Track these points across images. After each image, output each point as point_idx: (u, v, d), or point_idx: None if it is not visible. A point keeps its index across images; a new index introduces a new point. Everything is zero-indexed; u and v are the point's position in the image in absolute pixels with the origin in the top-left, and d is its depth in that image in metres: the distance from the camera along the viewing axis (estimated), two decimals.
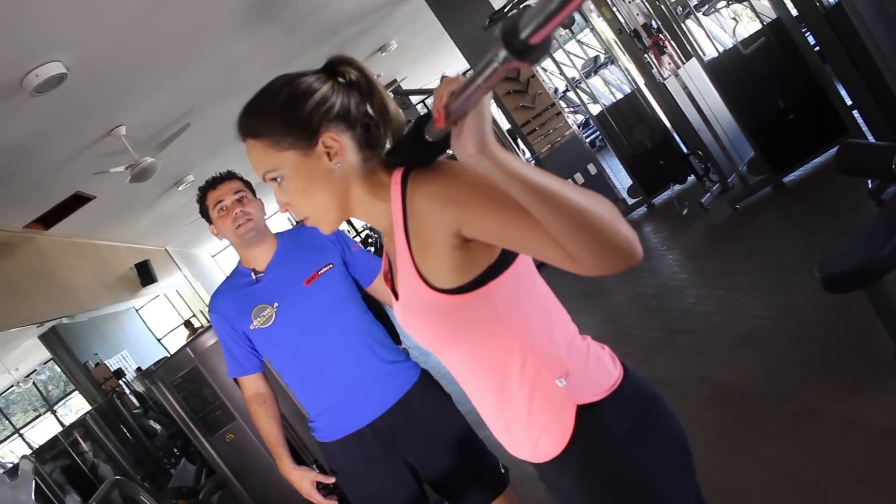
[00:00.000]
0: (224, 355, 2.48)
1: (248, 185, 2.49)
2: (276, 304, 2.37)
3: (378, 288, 2.57)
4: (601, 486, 1.26)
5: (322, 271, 2.41)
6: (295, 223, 2.57)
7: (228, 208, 2.41)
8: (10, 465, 6.45)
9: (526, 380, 1.26)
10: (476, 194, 1.12)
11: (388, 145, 1.30)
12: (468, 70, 9.39)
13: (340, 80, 1.26)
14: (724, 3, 7.93)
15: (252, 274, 2.44)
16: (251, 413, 2.49)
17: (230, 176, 2.47)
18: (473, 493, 2.44)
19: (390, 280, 1.41)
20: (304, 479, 2.39)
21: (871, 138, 4.84)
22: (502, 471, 2.54)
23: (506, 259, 1.21)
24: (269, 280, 2.42)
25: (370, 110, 1.27)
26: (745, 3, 7.14)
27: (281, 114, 1.22)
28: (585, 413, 1.25)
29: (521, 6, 7.49)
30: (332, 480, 2.40)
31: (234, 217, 2.39)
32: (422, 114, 1.20)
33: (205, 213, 2.47)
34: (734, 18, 5.57)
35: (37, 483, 3.39)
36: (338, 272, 2.44)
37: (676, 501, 1.25)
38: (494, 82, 0.89)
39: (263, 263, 2.45)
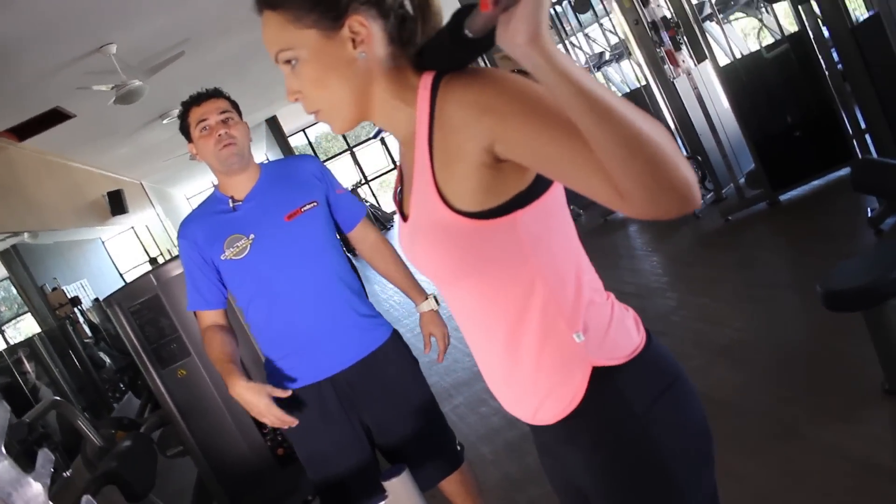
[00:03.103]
0: (187, 286, 2.31)
1: (235, 106, 2.31)
2: (251, 236, 2.20)
3: (358, 236, 2.42)
4: (611, 464, 1.11)
5: (305, 208, 2.24)
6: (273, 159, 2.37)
7: (212, 128, 2.22)
8: None
9: (540, 327, 1.11)
10: (517, 104, 0.97)
11: (420, 43, 1.13)
12: None
13: None
14: (742, 15, 7.83)
15: (230, 201, 2.26)
16: (204, 340, 2.26)
17: (217, 93, 2.28)
18: (427, 466, 2.31)
19: (398, 200, 1.26)
20: (259, 396, 2.04)
21: None
22: (458, 448, 2.42)
23: (538, 187, 1.06)
24: (247, 210, 2.25)
25: (407, 2, 1.11)
26: (767, 11, 7.04)
27: None
28: (601, 377, 1.10)
29: None
30: (288, 393, 2.10)
31: (218, 138, 2.21)
32: (460, 5, 1.03)
33: (185, 131, 2.28)
34: (760, 20, 5.42)
35: None
36: (321, 211, 2.28)
37: (692, 492, 1.11)
38: None
39: (243, 192, 2.27)
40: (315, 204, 2.26)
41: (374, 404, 2.28)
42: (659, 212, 0.86)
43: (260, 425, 3.29)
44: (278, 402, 2.08)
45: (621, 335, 1.13)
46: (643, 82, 7.09)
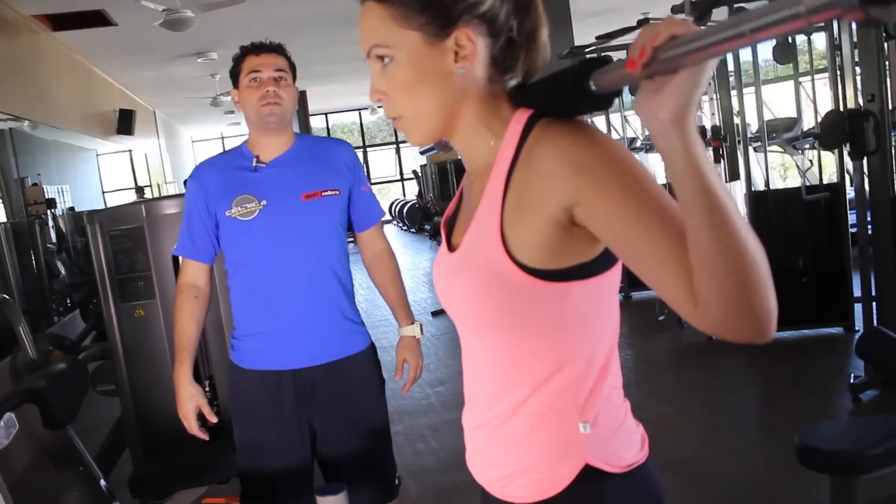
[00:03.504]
0: (180, 229, 2.20)
1: (292, 67, 2.21)
2: (263, 202, 2.10)
3: (367, 239, 2.33)
4: None
5: (326, 193, 2.15)
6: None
7: (262, 81, 2.13)
8: None
9: (550, 402, 1.03)
10: (614, 174, 0.90)
11: (518, 77, 1.06)
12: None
13: None
14: (777, 149, 7.86)
15: (254, 161, 2.16)
16: (176, 302, 2.21)
17: (279, 49, 2.19)
18: (362, 491, 2.19)
19: (447, 227, 1.18)
20: (190, 399, 2.13)
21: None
22: (396, 482, 2.32)
23: (602, 263, 0.99)
24: (268, 175, 2.14)
25: (516, 28, 1.04)
26: (806, 154, 7.05)
27: None
28: (590, 477, 1.02)
29: (600, 50, 7.33)
30: (214, 420, 2.16)
31: (265, 94, 2.11)
32: (592, 57, 0.96)
33: (235, 75, 2.19)
34: (811, 161, 5.42)
35: None
36: (340, 202, 2.19)
37: None
38: (766, 36, 0.64)
39: (270, 156, 2.17)
40: (337, 192, 2.17)
41: (328, 411, 2.17)
42: (729, 333, 0.81)
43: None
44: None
45: (625, 444, 1.06)
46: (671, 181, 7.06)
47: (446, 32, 1.00)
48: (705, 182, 0.79)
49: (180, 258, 2.24)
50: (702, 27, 0.74)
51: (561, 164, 0.92)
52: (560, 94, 0.96)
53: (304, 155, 2.20)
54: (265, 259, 2.10)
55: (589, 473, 1.02)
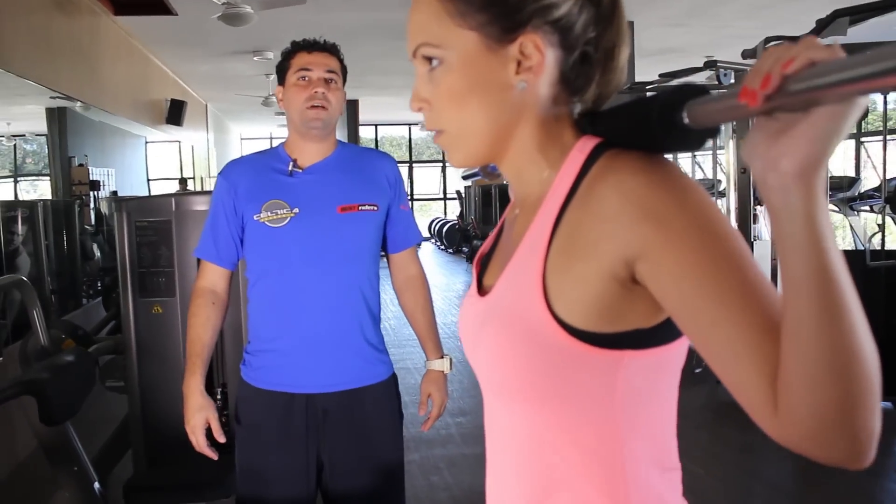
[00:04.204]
0: (203, 229, 2.05)
1: (344, 71, 2.06)
2: (295, 210, 1.94)
3: (400, 262, 2.16)
4: None
5: (363, 208, 1.98)
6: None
7: (311, 82, 1.97)
8: None
9: (581, 491, 0.84)
10: (694, 229, 0.71)
11: (588, 102, 0.88)
12: None
13: None
14: (833, 208, 7.58)
15: (290, 164, 2.00)
16: (191, 306, 2.04)
17: (333, 49, 2.04)
18: None
19: (480, 265, 0.98)
20: (199, 411, 1.92)
21: None
22: None
23: (665, 333, 0.80)
24: (304, 181, 1.99)
25: (594, 42, 0.85)
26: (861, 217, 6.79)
27: None
28: None
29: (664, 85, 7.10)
30: (222, 440, 1.95)
31: (312, 95, 1.96)
32: (687, 83, 0.76)
33: (282, 72, 2.04)
34: (879, 225, 5.15)
35: None
36: (377, 218, 2.02)
37: None
38: None
39: (309, 161, 2.02)
40: (375, 208, 2.00)
41: (339, 443, 1.99)
42: (817, 453, 0.64)
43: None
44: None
45: None
46: (778, 250, 6.80)
47: (510, 37, 0.83)
48: (826, 261, 0.61)
49: (200, 260, 2.09)
50: (851, 54, 0.56)
51: (626, 206, 0.74)
52: (642, 124, 0.77)
53: (344, 164, 2.04)
54: (290, 271, 1.94)
55: None
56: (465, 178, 15.62)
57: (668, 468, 0.88)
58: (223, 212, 2.00)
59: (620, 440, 0.82)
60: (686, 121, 0.72)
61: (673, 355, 0.83)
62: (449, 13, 0.84)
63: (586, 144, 0.83)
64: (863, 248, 5.26)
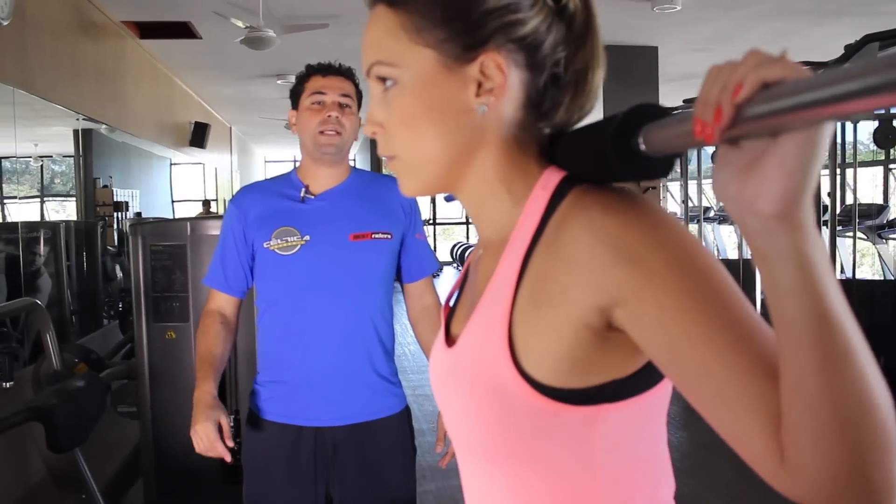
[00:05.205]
0: (213, 256, 2.01)
1: (359, 95, 2.02)
2: (306, 237, 1.89)
3: (415, 292, 2.10)
4: None
5: (377, 236, 1.93)
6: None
7: (325, 106, 1.93)
8: None
9: None
10: (675, 269, 0.64)
11: (557, 125, 0.80)
12: None
13: None
14: (860, 235, 7.44)
15: (302, 191, 1.96)
16: (201, 325, 1.97)
17: (348, 74, 2.00)
18: None
19: (448, 313, 0.92)
20: (212, 411, 1.76)
21: None
22: None
23: (644, 379, 0.73)
24: (316, 208, 1.94)
25: (564, 63, 0.78)
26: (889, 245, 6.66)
27: None
28: None
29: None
30: (227, 459, 1.79)
31: (325, 119, 1.92)
32: (639, 103, 0.67)
33: (295, 95, 2.00)
34: (878, 251, 5.06)
35: None
36: (390, 247, 1.97)
37: None
38: None
39: (321, 187, 1.97)
40: (389, 236, 1.95)
41: (348, 478, 1.93)
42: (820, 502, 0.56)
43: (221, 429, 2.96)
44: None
45: None
46: (742, 256, 6.67)
47: (471, 56, 0.75)
48: (825, 306, 0.54)
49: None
50: (811, 70, 0.48)
51: (598, 248, 0.67)
52: (597, 152, 0.69)
53: (358, 191, 1.99)
54: (300, 300, 1.89)
55: None
56: (448, 200, 15.58)
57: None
58: (233, 239, 1.96)
59: (605, 495, 0.76)
60: (643, 147, 0.64)
61: (654, 401, 0.76)
62: (405, 29, 0.77)
63: (551, 179, 0.76)
64: (892, 279, 5.15)
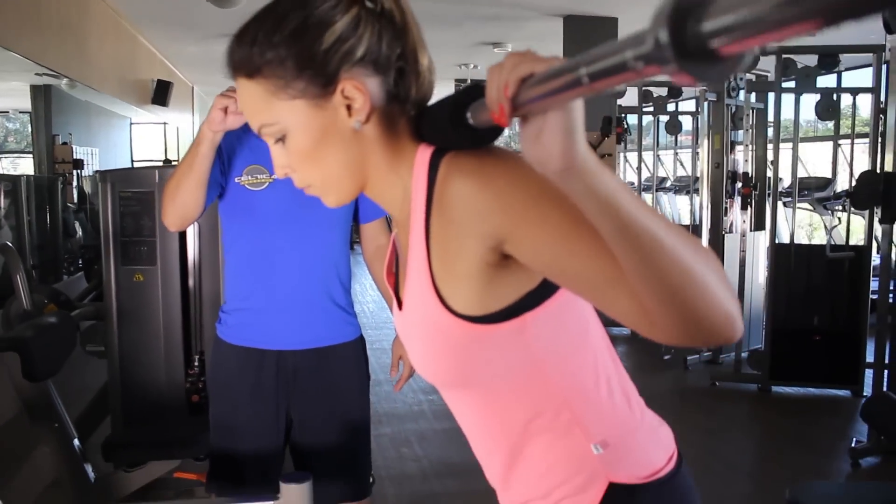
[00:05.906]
0: None
1: None
2: (274, 176, 2.04)
3: (370, 233, 2.26)
4: None
5: None
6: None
7: None
8: None
9: (552, 435, 0.98)
10: (532, 205, 0.83)
11: (414, 104, 0.98)
12: None
13: (369, 4, 0.92)
14: (807, 207, 7.75)
15: None
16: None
17: None
18: (332, 485, 2.13)
19: (394, 276, 1.11)
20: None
21: None
22: (370, 480, 2.26)
23: (549, 286, 0.92)
24: None
25: (401, 55, 0.95)
26: (836, 215, 6.95)
27: (291, 47, 0.90)
28: (618, 494, 0.97)
29: None
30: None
31: None
32: (467, 84, 0.87)
33: None
34: (839, 219, 5.32)
35: None
36: None
37: None
38: (615, 83, 0.54)
39: None
40: None
41: (308, 400, 2.11)
42: (692, 342, 0.76)
43: (187, 366, 3.12)
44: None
45: (648, 450, 1.01)
46: (694, 223, 6.94)
47: (330, 89, 0.90)
48: (623, 219, 0.70)
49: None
50: (558, 59, 0.65)
51: (472, 206, 0.85)
52: (439, 124, 0.88)
53: None
54: (265, 233, 2.05)
55: (616, 491, 0.97)
56: None
57: (625, 397, 1.01)
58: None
59: (556, 384, 0.96)
60: (471, 121, 0.83)
61: (564, 298, 0.94)
62: (270, 92, 0.91)
63: (424, 155, 0.92)
64: (823, 244, 5.44)
